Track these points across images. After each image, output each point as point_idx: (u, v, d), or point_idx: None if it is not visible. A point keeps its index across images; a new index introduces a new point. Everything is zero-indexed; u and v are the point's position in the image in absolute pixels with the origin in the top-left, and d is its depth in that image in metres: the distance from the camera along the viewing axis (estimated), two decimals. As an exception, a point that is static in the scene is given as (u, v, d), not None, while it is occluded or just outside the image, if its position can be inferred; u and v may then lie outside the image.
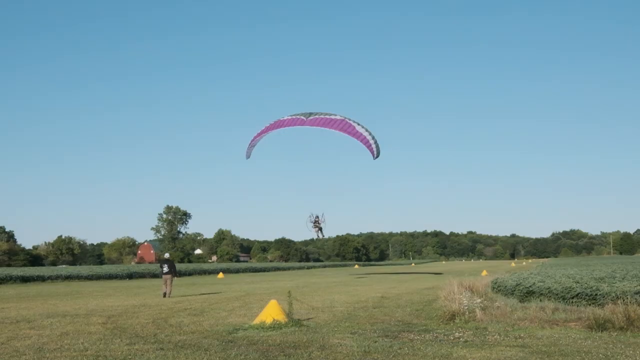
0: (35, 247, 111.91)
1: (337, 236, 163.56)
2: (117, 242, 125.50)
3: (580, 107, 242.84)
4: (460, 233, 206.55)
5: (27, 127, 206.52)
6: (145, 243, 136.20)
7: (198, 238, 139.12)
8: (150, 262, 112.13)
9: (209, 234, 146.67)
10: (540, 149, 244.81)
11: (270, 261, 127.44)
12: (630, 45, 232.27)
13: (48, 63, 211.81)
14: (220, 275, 48.38)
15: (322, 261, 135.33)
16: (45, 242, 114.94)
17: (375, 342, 9.60)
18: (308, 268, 78.32)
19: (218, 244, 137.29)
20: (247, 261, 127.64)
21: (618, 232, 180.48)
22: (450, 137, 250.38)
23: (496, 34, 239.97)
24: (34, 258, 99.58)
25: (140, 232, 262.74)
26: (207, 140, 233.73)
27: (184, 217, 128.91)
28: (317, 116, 25.79)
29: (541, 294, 13.36)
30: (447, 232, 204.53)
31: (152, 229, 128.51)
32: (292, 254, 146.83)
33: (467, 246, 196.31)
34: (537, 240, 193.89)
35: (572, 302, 12.41)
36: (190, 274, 50.51)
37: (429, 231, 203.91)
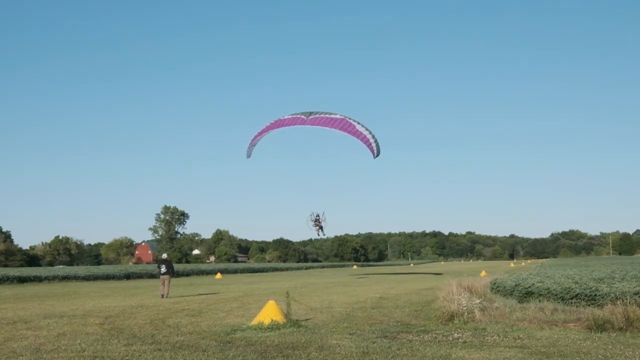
0: (32, 248, 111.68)
1: (336, 236, 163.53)
2: (114, 243, 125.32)
3: (580, 107, 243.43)
4: (459, 233, 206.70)
5: (24, 127, 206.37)
6: (143, 243, 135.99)
7: (196, 238, 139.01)
8: (147, 263, 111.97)
9: (207, 234, 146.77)
10: (540, 149, 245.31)
11: (269, 261, 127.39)
12: (629, 45, 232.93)
13: (46, 62, 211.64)
14: (218, 275, 48.33)
15: (320, 261, 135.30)
16: (42, 243, 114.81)
17: (374, 342, 9.58)
18: (306, 268, 78.29)
19: (216, 244, 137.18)
20: (245, 261, 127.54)
21: (617, 232, 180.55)
22: (449, 137, 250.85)
23: (495, 33, 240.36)
24: (31, 258, 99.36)
25: (138, 233, 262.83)
26: (205, 140, 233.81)
27: (182, 217, 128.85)
28: (317, 115, 25.80)
29: (540, 294, 13.35)
30: (446, 233, 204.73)
31: (150, 229, 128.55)
32: (290, 254, 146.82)
33: (466, 246, 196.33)
34: (536, 240, 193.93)
35: (571, 302, 12.40)
36: (188, 274, 50.43)
37: (427, 231, 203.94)
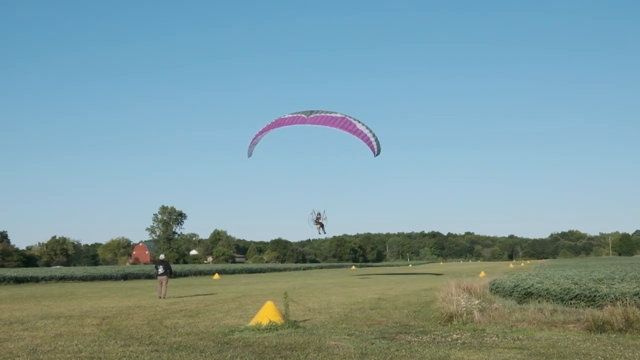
0: (29, 248, 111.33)
1: (334, 237, 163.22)
2: (111, 243, 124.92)
3: (580, 107, 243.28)
4: (458, 234, 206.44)
5: (20, 127, 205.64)
6: (140, 244, 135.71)
7: (193, 239, 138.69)
8: (145, 263, 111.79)
9: (205, 234, 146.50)
10: (539, 149, 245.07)
11: (267, 262, 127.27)
12: (629, 44, 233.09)
13: (43, 61, 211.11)
14: (216, 276, 48.24)
15: (318, 262, 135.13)
16: (39, 243, 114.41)
17: (372, 343, 9.56)
18: (304, 269, 78.20)
19: (214, 244, 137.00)
20: (243, 262, 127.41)
21: (617, 233, 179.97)
22: (448, 137, 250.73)
23: (494, 33, 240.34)
24: (27, 259, 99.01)
25: (135, 233, 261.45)
26: (203, 140, 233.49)
27: (179, 217, 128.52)
28: (317, 114, 25.82)
29: (539, 295, 13.34)
30: (445, 233, 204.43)
31: (147, 229, 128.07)
32: (288, 254, 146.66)
33: (465, 247, 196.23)
34: (535, 241, 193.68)
35: (571, 303, 12.40)
36: (185, 274, 50.32)
37: (426, 232, 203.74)
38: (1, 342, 10.37)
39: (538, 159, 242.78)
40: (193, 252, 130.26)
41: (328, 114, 26.04)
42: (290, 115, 26.52)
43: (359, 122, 26.49)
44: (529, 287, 14.12)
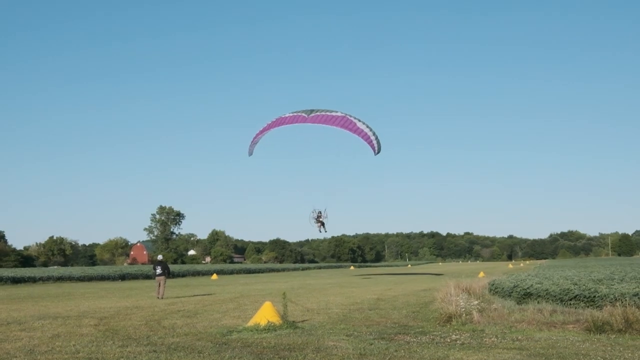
0: (26, 248, 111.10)
1: (333, 237, 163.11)
2: (109, 243, 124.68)
3: (579, 107, 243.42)
4: (457, 234, 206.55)
5: (17, 126, 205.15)
6: (138, 244, 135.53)
7: (192, 239, 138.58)
8: (143, 263, 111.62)
9: (203, 234, 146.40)
10: (538, 149, 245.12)
11: (265, 262, 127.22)
12: (629, 44, 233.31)
13: (41, 61, 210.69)
14: (214, 276, 48.17)
15: (317, 262, 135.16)
16: (36, 243, 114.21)
17: (371, 344, 9.54)
18: (303, 269, 78.14)
19: (212, 244, 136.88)
20: (241, 262, 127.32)
21: (617, 233, 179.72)
22: (447, 137, 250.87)
23: (494, 33, 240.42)
24: (24, 259, 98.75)
25: (133, 233, 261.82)
26: (201, 139, 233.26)
27: (177, 217, 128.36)
28: (318, 113, 25.83)
29: (539, 295, 13.32)
30: (444, 233, 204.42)
31: (145, 229, 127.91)
32: (286, 255, 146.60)
33: (464, 247, 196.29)
34: (534, 241, 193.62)
35: (570, 304, 12.38)
36: (183, 275, 50.24)
37: (425, 232, 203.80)
38: (-2, 342, 10.32)
39: (537, 159, 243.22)
40: (191, 252, 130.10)
41: (328, 113, 26.06)
42: (291, 114, 26.53)
43: (359, 120, 26.53)
44: (528, 288, 14.10)
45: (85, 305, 18.45)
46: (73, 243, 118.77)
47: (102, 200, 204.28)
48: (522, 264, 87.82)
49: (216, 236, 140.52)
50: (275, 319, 11.54)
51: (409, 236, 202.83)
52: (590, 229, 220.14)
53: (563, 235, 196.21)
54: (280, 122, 26.76)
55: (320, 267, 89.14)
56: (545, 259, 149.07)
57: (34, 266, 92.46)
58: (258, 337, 10.43)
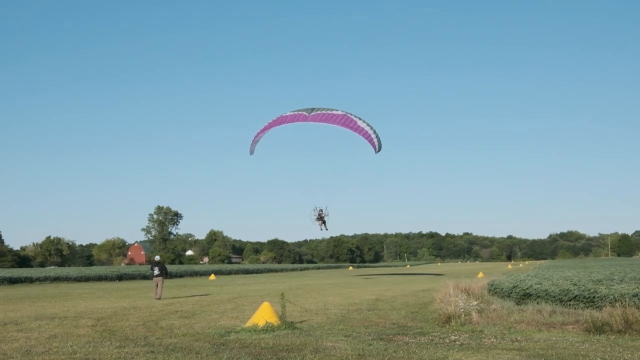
0: (23, 248, 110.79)
1: (331, 237, 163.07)
2: (106, 243, 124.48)
3: (579, 107, 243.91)
4: (456, 234, 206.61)
5: (14, 126, 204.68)
6: (136, 244, 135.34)
7: (189, 239, 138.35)
8: (140, 264, 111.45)
9: (201, 234, 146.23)
10: (538, 150, 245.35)
11: (263, 262, 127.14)
12: (628, 44, 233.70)
13: (38, 60, 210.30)
14: (212, 277, 48.10)
15: (315, 263, 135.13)
16: (33, 243, 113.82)
17: (370, 345, 9.51)
18: (301, 270, 78.08)
19: (210, 245, 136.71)
20: (239, 262, 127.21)
21: (616, 233, 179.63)
22: (446, 137, 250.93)
23: (494, 33, 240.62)
24: (21, 259, 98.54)
25: (131, 233, 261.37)
26: (199, 139, 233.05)
27: (175, 217, 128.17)
28: (319, 112, 25.86)
29: (538, 296, 13.30)
30: (443, 234, 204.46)
31: (143, 229, 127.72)
32: (285, 255, 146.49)
33: (463, 248, 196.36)
34: (534, 241, 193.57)
35: (570, 304, 12.35)
36: (181, 275, 50.15)
37: (424, 232, 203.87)
38: (-6, 343, 10.26)
39: (537, 159, 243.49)
40: (189, 252, 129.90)
41: (329, 112, 26.09)
42: (292, 113, 26.56)
43: (360, 119, 26.58)
44: (527, 288, 14.07)
45: (83, 306, 18.39)
46: (70, 243, 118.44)
47: (100, 200, 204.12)
48: (521, 265, 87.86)
49: (214, 236, 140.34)
50: (274, 320, 11.50)
51: (407, 236, 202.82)
52: (590, 230, 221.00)
53: (562, 235, 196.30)
54: (281, 120, 26.78)
55: (318, 268, 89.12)
56: (544, 259, 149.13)
57: (31, 266, 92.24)
58: (256, 337, 10.40)
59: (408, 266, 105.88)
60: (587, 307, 11.85)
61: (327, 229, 32.60)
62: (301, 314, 14.57)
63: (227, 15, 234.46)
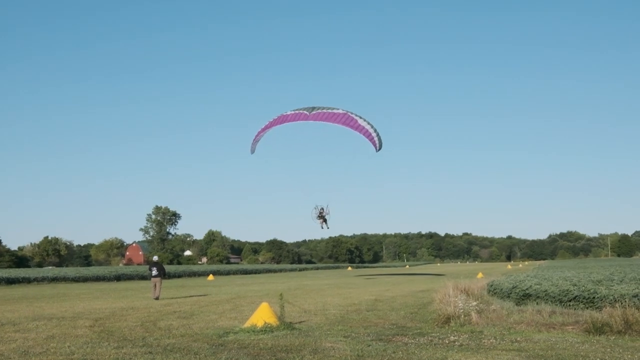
0: (20, 248, 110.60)
1: (330, 237, 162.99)
2: (104, 243, 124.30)
3: (578, 107, 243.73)
4: (455, 235, 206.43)
5: (11, 125, 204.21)
6: (134, 244, 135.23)
7: (188, 239, 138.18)
8: (138, 264, 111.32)
9: (199, 235, 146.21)
10: (537, 150, 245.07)
11: (262, 263, 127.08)
12: (628, 44, 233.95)
13: (36, 60, 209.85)
14: (211, 277, 48.05)
15: (314, 263, 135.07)
16: (30, 243, 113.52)
17: (369, 345, 9.48)
18: (300, 270, 78.01)
19: (208, 245, 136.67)
20: (237, 263, 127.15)
21: (616, 233, 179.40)
22: (446, 137, 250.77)
23: (494, 33, 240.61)
24: (19, 259, 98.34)
25: (129, 233, 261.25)
26: (197, 139, 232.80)
27: (173, 217, 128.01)
28: (319, 111, 25.90)
29: (538, 297, 13.28)
30: (442, 234, 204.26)
31: (141, 229, 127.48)
32: (284, 255, 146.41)
33: (463, 248, 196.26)
34: (533, 242, 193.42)
35: (570, 305, 12.33)
36: (179, 275, 50.06)
37: (423, 232, 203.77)
38: (-9, 344, 10.22)
39: (536, 159, 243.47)
40: (187, 252, 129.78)
41: (330, 110, 26.13)
42: (293, 112, 26.59)
43: (361, 117, 26.62)
44: (527, 289, 14.05)
45: (80, 306, 18.33)
46: (68, 243, 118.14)
47: (98, 200, 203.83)
48: (521, 265, 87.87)
49: (212, 236, 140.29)
50: (272, 320, 11.47)
51: (407, 237, 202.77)
52: (590, 230, 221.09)
53: (562, 235, 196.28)
54: (282, 119, 26.81)
55: (317, 268, 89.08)
56: (544, 259, 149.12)
57: (29, 267, 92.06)
58: (255, 338, 10.36)
59: (407, 266, 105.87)
60: (587, 308, 11.83)
61: (328, 227, 32.76)
62: (300, 315, 14.54)
63: (227, 15, 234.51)
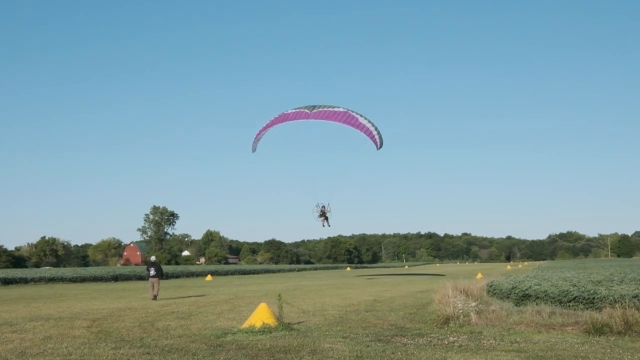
0: (17, 249, 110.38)
1: (329, 238, 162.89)
2: (102, 244, 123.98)
3: (578, 107, 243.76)
4: (454, 235, 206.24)
5: (9, 125, 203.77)
6: (131, 244, 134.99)
7: (186, 239, 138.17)
8: (136, 264, 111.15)
9: (197, 235, 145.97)
10: (537, 150, 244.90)
11: (260, 263, 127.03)
12: (628, 44, 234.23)
13: (34, 59, 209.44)
14: (209, 277, 47.99)
15: (313, 263, 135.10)
16: (28, 243, 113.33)
17: (368, 346, 9.45)
18: (299, 270, 77.93)
19: (206, 245, 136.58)
20: (236, 263, 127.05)
21: (616, 234, 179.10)
22: (445, 137, 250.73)
23: (494, 33, 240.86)
24: (16, 259, 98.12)
25: (126, 233, 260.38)
26: (195, 139, 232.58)
27: (171, 217, 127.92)
28: (320, 109, 25.93)
29: (537, 297, 13.26)
30: (442, 234, 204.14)
31: (139, 230, 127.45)
32: (282, 255, 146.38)
33: (462, 248, 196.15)
34: (533, 242, 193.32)
35: (569, 305, 12.31)
36: (177, 276, 49.99)
37: (422, 233, 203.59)
38: (-12, 344, 10.16)
39: (536, 160, 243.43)
40: (185, 253, 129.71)
41: (331, 109, 26.17)
42: (294, 111, 26.62)
43: (361, 116, 26.67)
44: (526, 289, 14.03)
45: (78, 307, 18.28)
46: (65, 243, 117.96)
47: (95, 200, 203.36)
48: (520, 265, 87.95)
49: (210, 237, 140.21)
50: (271, 321, 11.43)
51: (406, 237, 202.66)
52: (590, 230, 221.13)
53: (562, 236, 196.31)
54: (283, 118, 26.83)
55: (316, 268, 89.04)
56: (544, 260, 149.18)
57: (26, 267, 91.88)
58: (253, 339, 10.33)
59: (406, 267, 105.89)
60: (587, 309, 11.81)
61: (329, 225, 32.88)
62: (298, 315, 14.50)
63: (227, 14, 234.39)
